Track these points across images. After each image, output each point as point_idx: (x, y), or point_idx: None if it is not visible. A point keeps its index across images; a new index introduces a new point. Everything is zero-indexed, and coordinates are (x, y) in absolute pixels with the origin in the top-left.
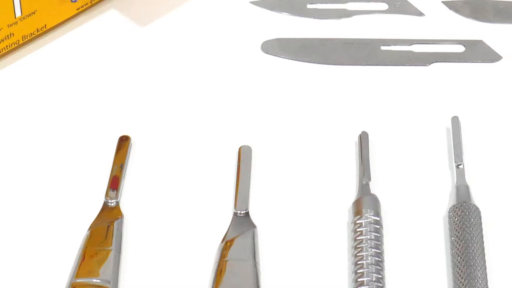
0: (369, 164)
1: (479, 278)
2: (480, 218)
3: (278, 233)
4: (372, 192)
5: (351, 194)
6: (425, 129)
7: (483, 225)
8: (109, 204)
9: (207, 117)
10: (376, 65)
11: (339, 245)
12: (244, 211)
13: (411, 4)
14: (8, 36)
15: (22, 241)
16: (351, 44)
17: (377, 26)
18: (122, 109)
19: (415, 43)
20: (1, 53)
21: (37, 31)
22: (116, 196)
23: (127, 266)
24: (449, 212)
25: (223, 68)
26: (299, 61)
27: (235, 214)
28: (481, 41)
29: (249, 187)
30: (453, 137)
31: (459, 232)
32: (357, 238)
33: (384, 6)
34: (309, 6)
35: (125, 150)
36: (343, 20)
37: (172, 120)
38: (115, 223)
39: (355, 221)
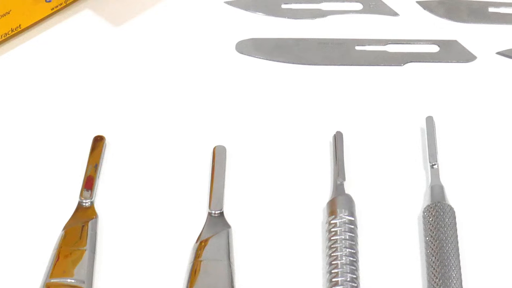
0: (343, 164)
1: (453, 278)
2: (455, 218)
3: (252, 233)
4: (346, 192)
5: (326, 194)
6: (400, 129)
7: (457, 225)
8: (84, 204)
9: (182, 117)
10: (351, 65)
11: (313, 245)
12: (219, 211)
13: (385, 4)
14: None
15: None
16: (326, 44)
17: (351, 26)
18: (96, 109)
19: (389, 43)
20: None
21: (12, 31)
22: (91, 196)
23: (101, 266)
24: (423, 212)
25: (197, 68)
26: (274, 61)
27: (209, 214)
28: (456, 41)
29: (223, 187)
30: (427, 137)
31: (433, 232)
32: (332, 238)
33: (358, 6)
34: (283, 6)
35: (99, 150)
36: (318, 20)
37: (147, 120)
38: (90, 223)
39: (330, 221)
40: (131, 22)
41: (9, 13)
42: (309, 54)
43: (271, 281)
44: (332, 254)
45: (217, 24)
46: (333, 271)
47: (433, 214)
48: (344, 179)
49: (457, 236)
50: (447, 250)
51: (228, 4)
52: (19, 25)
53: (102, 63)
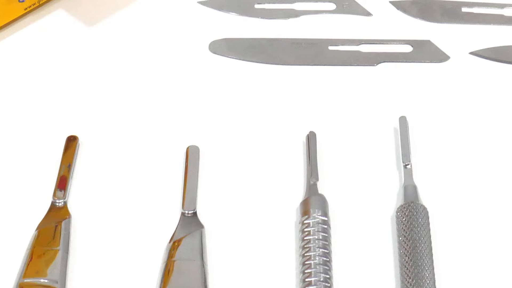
0: (316, 164)
1: (426, 278)
2: (428, 218)
3: (226, 233)
4: (319, 192)
5: (299, 194)
6: (373, 129)
7: (430, 225)
8: (57, 204)
9: (155, 117)
10: (324, 65)
11: (286, 245)
12: (192, 211)
13: (358, 4)
14: None
15: None
16: (299, 44)
17: (324, 26)
18: (70, 109)
19: (363, 43)
20: None
21: None
22: (64, 196)
23: (74, 266)
24: (396, 212)
25: (170, 68)
26: (247, 61)
27: (182, 214)
28: (429, 41)
29: (196, 187)
30: (400, 137)
31: (406, 232)
32: (305, 238)
33: (331, 6)
34: (256, 6)
35: (72, 150)
36: (291, 20)
37: (120, 120)
38: (63, 223)
39: (303, 221)
40: (104, 22)
41: None
42: (282, 54)
43: (245, 281)
44: (305, 254)
45: (190, 24)
46: (306, 271)
47: (406, 214)
48: (317, 179)
49: (430, 236)
50: (420, 250)
51: (201, 4)
52: None
53: (75, 63)
